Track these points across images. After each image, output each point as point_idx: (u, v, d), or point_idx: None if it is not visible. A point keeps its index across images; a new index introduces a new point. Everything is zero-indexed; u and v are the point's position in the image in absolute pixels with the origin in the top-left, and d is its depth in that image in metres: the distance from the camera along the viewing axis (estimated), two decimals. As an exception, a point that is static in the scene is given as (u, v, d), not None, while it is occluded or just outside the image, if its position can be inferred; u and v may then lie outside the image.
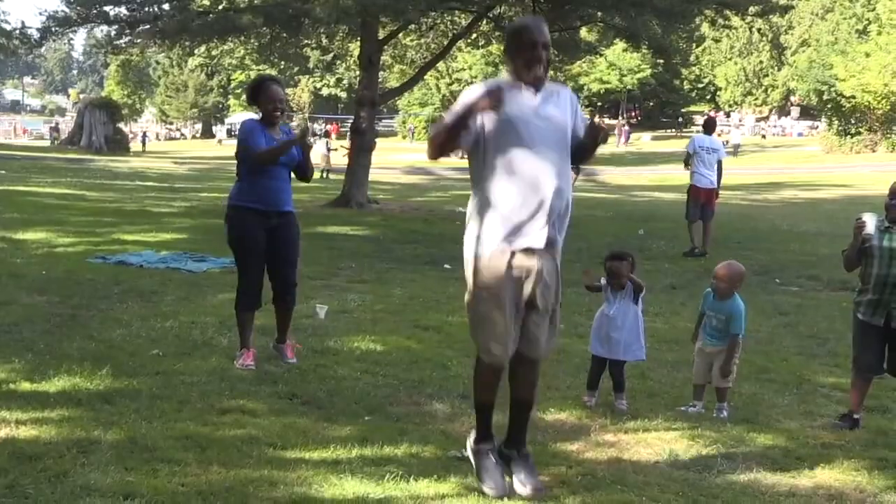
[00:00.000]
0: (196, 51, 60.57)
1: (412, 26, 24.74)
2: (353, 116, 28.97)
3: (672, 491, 5.69)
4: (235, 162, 8.31)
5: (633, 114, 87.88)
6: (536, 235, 5.23)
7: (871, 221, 7.12)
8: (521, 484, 5.46)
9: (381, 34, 23.49)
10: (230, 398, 7.02)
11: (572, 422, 7.06)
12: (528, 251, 5.24)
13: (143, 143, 79.73)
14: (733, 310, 7.45)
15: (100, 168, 41.82)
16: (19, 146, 71.62)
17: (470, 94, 5.24)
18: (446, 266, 14.78)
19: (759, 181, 44.27)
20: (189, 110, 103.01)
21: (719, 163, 16.95)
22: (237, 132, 9.02)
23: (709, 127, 17.83)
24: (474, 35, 26.62)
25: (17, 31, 47.52)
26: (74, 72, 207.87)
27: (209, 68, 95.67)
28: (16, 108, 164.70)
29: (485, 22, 24.59)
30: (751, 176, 47.03)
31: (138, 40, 23.73)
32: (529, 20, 5.51)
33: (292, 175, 8.35)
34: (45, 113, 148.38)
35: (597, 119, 5.30)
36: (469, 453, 5.68)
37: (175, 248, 15.28)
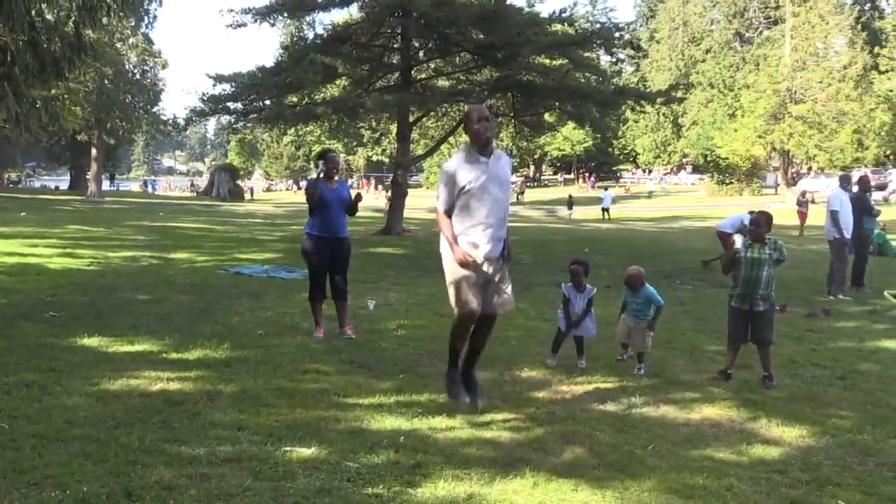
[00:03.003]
0: (289, 132, 60.72)
1: (431, 113, 24.77)
2: (392, 174, 28.86)
3: (606, 423, 5.66)
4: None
5: (582, 170, 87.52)
6: (485, 248, 5.64)
7: (739, 241, 7.12)
8: (471, 396, 5.84)
9: (412, 118, 23.48)
10: (310, 363, 6.99)
11: (539, 378, 7.01)
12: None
13: (252, 193, 79.48)
14: (648, 294, 7.49)
15: (224, 210, 41.87)
16: (173, 196, 71.83)
17: (448, 166, 5.72)
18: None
19: (665, 215, 44.07)
20: (284, 171, 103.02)
21: None
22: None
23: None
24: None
25: (171, 121, 47.71)
26: (208, 146, 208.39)
27: (297, 143, 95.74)
28: (170, 171, 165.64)
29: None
30: (660, 212, 46.85)
31: (249, 125, 23.86)
32: (476, 105, 5.87)
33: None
34: (189, 174, 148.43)
35: None
36: (443, 376, 5.99)
37: (274, 263, 15.25)
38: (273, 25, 20.79)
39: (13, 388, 5.57)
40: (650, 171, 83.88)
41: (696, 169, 75.09)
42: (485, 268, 5.67)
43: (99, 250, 16.23)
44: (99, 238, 19.64)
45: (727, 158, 54.81)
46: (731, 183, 57.16)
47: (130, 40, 49.29)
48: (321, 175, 8.34)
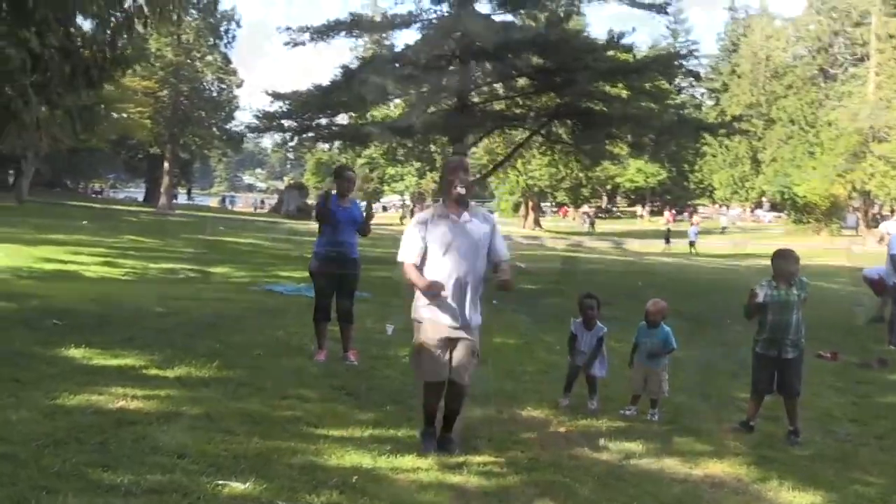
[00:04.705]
0: (363, 153, 60.93)
1: (490, 138, 24.37)
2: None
3: (593, 473, 5.12)
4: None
5: (655, 203, 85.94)
6: (447, 319, 5.15)
7: (761, 292, 6.47)
8: (446, 452, 5.23)
9: (471, 142, 23.02)
10: (295, 388, 6.61)
11: (540, 418, 6.49)
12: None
13: (325, 212, 79.49)
14: (665, 334, 6.88)
15: (286, 228, 41.86)
16: (245, 212, 72.70)
17: (420, 216, 5.26)
18: (494, 302, 14.22)
19: (736, 252, 42.73)
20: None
21: None
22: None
23: None
24: (542, 147, 26.19)
25: (227, 135, 48.14)
26: (288, 165, 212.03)
27: (371, 165, 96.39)
28: (250, 188, 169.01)
29: (541, 137, 23.95)
30: (731, 248, 45.49)
31: (304, 143, 23.86)
32: (455, 156, 5.46)
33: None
34: (268, 192, 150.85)
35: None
36: (418, 434, 5.43)
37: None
38: (328, 44, 20.70)
39: (-37, 400, 5.31)
40: (727, 207, 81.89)
41: (774, 207, 72.99)
42: (451, 335, 5.18)
43: (141, 261, 16.27)
44: (148, 249, 19.79)
45: (805, 197, 53.03)
46: (809, 222, 55.26)
47: (208, 58, 50.40)
48: (332, 192, 8.05)
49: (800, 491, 5.10)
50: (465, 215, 5.15)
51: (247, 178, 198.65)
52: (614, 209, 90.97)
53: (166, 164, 49.48)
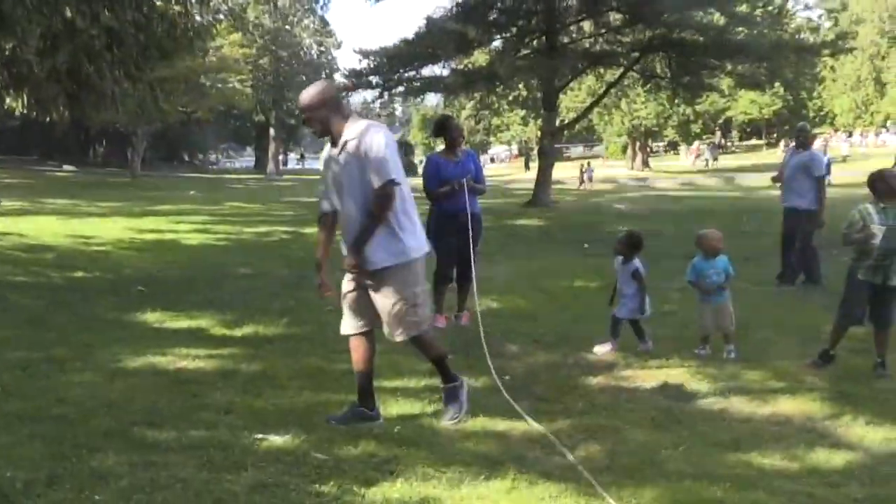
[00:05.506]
0: (466, 105, 60.60)
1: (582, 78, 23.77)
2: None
3: (648, 416, 4.94)
4: None
5: (773, 134, 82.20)
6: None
7: (874, 223, 6.03)
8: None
9: (559, 84, 22.50)
10: (359, 341, 6.62)
11: (607, 361, 6.31)
12: None
13: (431, 167, 79.47)
14: (724, 263, 6.57)
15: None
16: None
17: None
18: (586, 246, 14.01)
19: (858, 181, 40.53)
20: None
21: None
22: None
23: None
24: (642, 84, 25.44)
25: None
26: (396, 124, 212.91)
27: (476, 117, 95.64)
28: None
29: (636, 74, 23.18)
30: (854, 177, 43.17)
31: (394, 98, 23.89)
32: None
33: None
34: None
35: None
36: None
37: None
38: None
39: (33, 364, 5.54)
40: (849, 133, 77.68)
41: (901, 129, 68.82)
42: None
43: (238, 226, 16.71)
44: (247, 214, 20.31)
45: (934, 116, 49.77)
46: (940, 142, 51.89)
47: (304, 23, 51.05)
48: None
49: (874, 426, 4.78)
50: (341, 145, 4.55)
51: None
52: (729, 144, 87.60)
53: (272, 131, 50.69)
